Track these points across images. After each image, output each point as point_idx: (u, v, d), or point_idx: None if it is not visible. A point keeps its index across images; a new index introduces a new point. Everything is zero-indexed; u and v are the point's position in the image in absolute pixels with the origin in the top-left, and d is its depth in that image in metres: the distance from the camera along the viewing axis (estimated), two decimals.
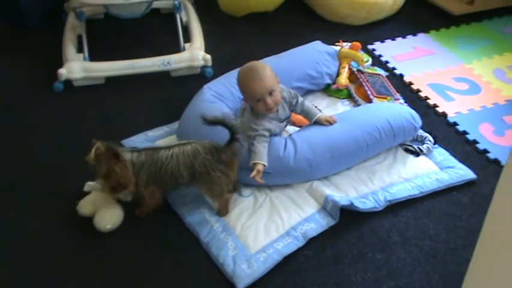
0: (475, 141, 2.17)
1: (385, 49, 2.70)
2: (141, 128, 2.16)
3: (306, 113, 1.98)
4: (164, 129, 2.17)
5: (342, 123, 1.97)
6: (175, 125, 2.14)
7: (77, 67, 2.37)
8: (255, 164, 1.79)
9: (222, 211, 1.81)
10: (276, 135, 1.91)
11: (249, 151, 1.82)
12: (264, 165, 1.79)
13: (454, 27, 2.87)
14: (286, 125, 1.99)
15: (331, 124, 1.96)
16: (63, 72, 2.36)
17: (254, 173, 1.78)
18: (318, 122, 1.97)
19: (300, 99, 1.95)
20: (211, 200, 1.83)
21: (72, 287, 1.64)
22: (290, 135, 1.97)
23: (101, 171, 1.68)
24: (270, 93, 1.80)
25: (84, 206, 1.80)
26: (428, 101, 2.39)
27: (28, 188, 1.95)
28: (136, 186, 1.73)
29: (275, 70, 1.95)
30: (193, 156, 1.71)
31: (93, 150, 1.65)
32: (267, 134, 1.85)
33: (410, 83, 2.49)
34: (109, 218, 1.78)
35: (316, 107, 2.11)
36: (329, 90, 2.36)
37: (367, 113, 2.06)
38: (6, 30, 2.75)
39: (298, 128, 2.05)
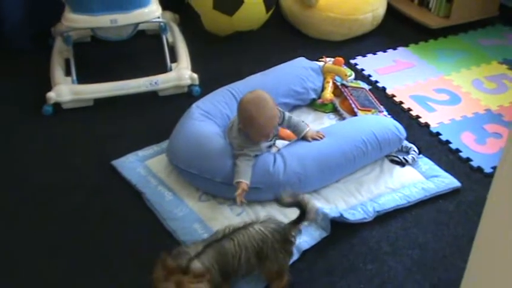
0: (458, 150, 2.20)
1: (367, 63, 2.74)
2: (131, 148, 2.15)
3: (294, 128, 1.99)
4: (154, 148, 2.16)
5: (329, 137, 1.99)
6: (165, 144, 2.13)
7: (66, 90, 2.36)
8: (238, 182, 1.79)
9: None
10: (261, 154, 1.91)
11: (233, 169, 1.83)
12: (247, 183, 1.79)
13: (432, 40, 2.92)
14: (274, 142, 2.00)
15: (319, 139, 1.97)
16: (51, 95, 2.34)
17: (239, 191, 1.78)
18: (304, 138, 1.99)
19: (287, 115, 1.96)
20: (269, 283, 1.64)
21: None
22: (279, 150, 1.98)
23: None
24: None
25: None
26: (411, 112, 2.42)
27: (19, 211, 1.92)
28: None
29: (262, 87, 1.97)
30: (261, 241, 1.54)
31: (160, 267, 1.40)
32: (252, 154, 1.86)
33: (393, 95, 2.52)
34: None
35: (303, 121, 2.13)
36: (315, 104, 2.38)
37: (353, 127, 2.08)
38: None
39: (287, 142, 2.06)
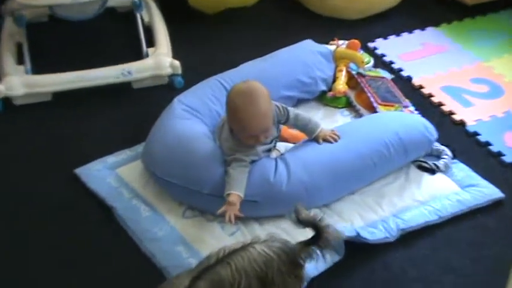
0: (499, 154, 2.22)
1: (389, 47, 2.76)
2: (99, 152, 2.16)
3: (303, 127, 2.00)
4: (127, 153, 2.18)
5: (343, 138, 2.00)
6: (140, 148, 2.14)
7: (17, 82, 2.37)
8: (229, 195, 1.79)
9: None
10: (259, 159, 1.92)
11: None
12: (239, 196, 1.79)
13: (469, 19, 2.95)
14: (274, 145, 2.00)
15: (332, 141, 1.97)
16: (0, 88, 2.35)
17: (223, 207, 1.77)
18: (315, 139, 1.99)
19: (293, 111, 1.96)
20: None
21: None
22: (282, 154, 2.00)
23: None
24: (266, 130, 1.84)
25: None
26: (442, 107, 2.44)
27: None
28: None
29: (259, 77, 1.98)
30: (265, 264, 1.52)
31: None
32: (247, 159, 1.86)
33: (421, 87, 2.54)
34: None
35: None
36: (325, 98, 2.39)
37: (372, 125, 2.10)
38: None
39: (291, 145, 2.07)
